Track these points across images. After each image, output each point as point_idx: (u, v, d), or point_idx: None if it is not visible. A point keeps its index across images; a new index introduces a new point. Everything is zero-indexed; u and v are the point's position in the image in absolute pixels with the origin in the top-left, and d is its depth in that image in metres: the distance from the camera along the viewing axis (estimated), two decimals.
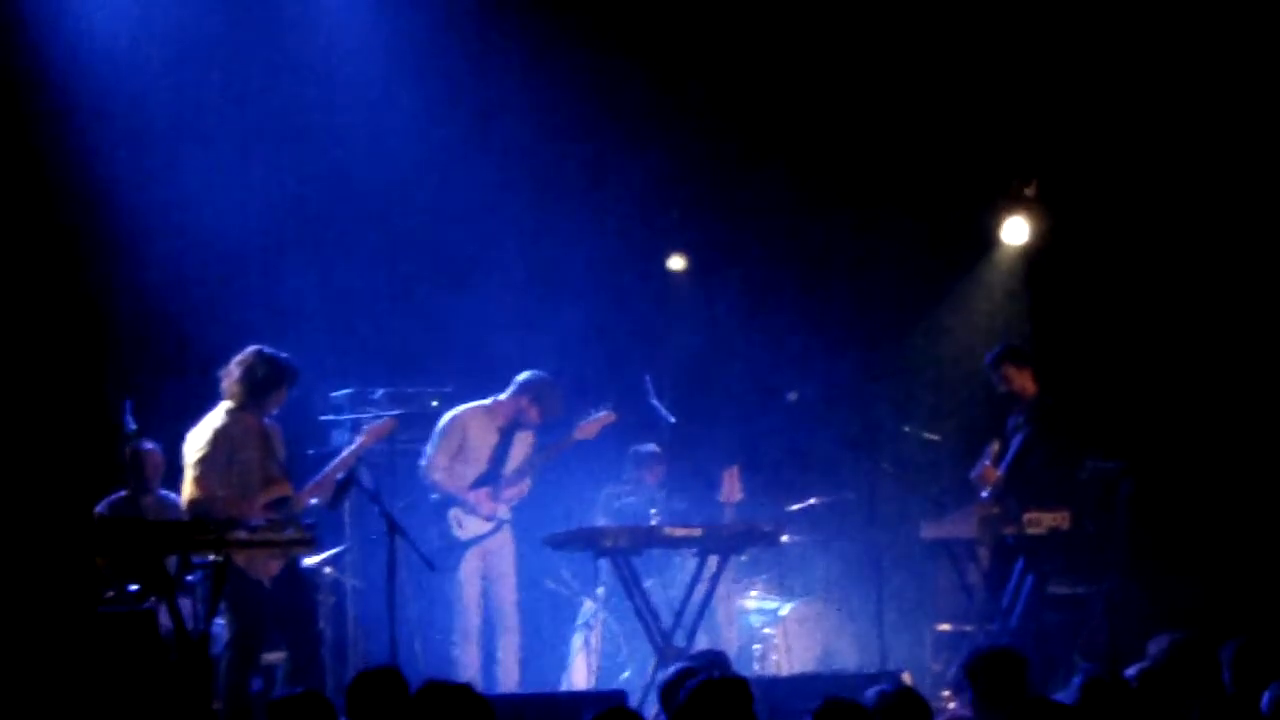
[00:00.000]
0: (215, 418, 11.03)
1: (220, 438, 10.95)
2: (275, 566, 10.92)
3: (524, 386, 12.58)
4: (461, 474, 12.50)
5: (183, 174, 13.49)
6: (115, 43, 13.38)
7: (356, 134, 14.10)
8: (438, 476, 12.48)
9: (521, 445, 12.66)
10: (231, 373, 11.07)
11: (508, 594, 12.57)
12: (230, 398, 11.07)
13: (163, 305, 13.40)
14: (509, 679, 12.38)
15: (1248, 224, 14.38)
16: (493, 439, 12.56)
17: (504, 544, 12.55)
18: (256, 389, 11.06)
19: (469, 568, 12.44)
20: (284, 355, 11.17)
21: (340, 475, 11.27)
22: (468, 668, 12.26)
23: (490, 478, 12.52)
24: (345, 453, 11.64)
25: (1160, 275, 14.66)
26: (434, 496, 12.52)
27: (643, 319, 14.83)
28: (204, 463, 10.90)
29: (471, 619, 12.41)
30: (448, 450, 12.51)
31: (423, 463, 12.53)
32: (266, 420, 11.22)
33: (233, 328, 12.99)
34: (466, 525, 12.47)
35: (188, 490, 10.94)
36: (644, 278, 15.01)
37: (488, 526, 12.48)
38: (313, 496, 11.30)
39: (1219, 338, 14.50)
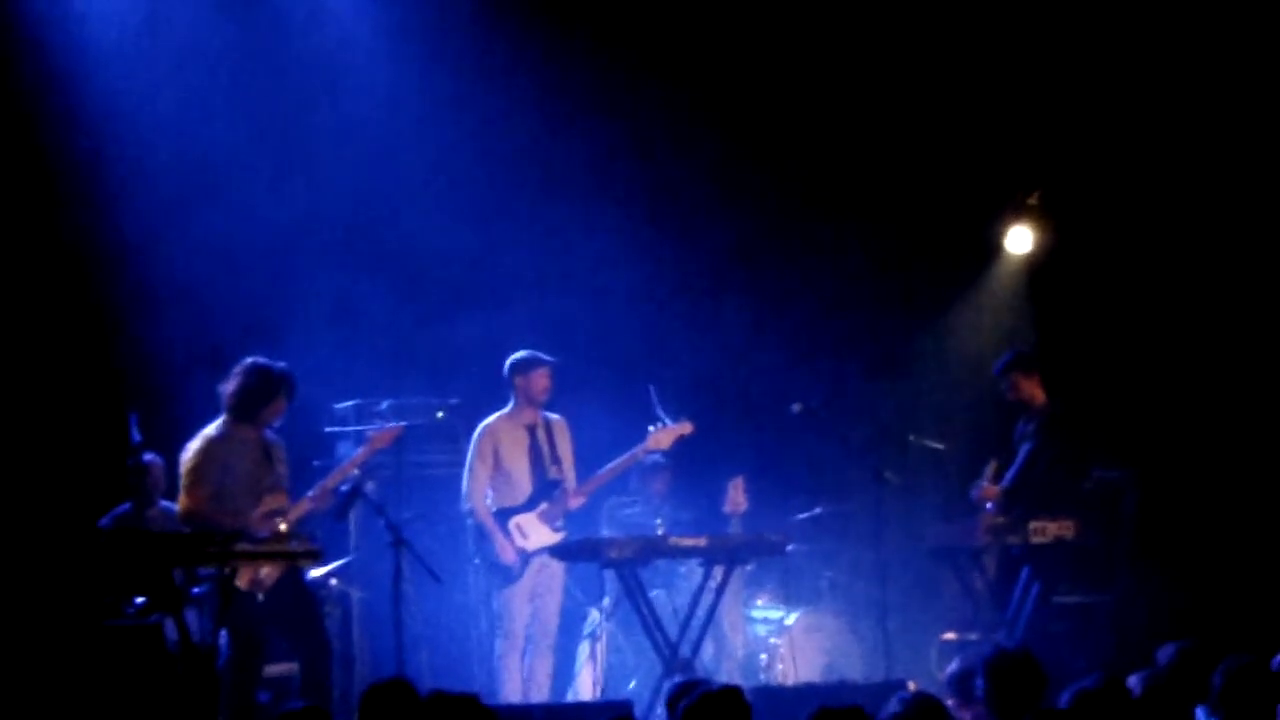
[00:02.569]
0: (210, 429, 11.05)
1: (212, 449, 10.96)
2: (269, 579, 10.87)
3: (507, 373, 12.51)
4: (515, 486, 12.44)
5: (187, 185, 13.51)
6: (124, 52, 13.39)
7: (361, 144, 14.10)
8: (474, 504, 12.36)
9: (563, 439, 12.61)
10: (228, 384, 11.09)
11: (552, 613, 12.45)
12: (227, 410, 11.08)
13: (168, 314, 13.41)
14: (540, 697, 12.34)
15: (1252, 233, 14.40)
16: (524, 440, 12.49)
17: (556, 560, 12.35)
18: (252, 400, 11.04)
19: (524, 578, 12.32)
20: (280, 366, 11.16)
21: (344, 486, 11.27)
22: (511, 677, 12.24)
23: (544, 487, 12.48)
24: (346, 462, 11.64)
25: (1165, 284, 14.68)
26: (471, 522, 12.49)
27: (649, 330, 14.81)
28: (194, 473, 10.91)
29: (519, 630, 12.31)
30: (484, 466, 12.39)
31: (463, 487, 12.44)
32: (269, 435, 11.23)
33: (238, 338, 13.01)
34: (531, 535, 12.36)
35: (180, 501, 10.96)
36: (650, 288, 14.98)
37: (555, 537, 12.32)
38: (311, 506, 11.25)
39: (1224, 346, 14.51)
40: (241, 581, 10.70)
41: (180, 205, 13.48)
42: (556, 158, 14.76)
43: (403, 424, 12.02)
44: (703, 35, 14.68)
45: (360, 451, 11.70)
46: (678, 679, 8.66)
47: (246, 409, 11.05)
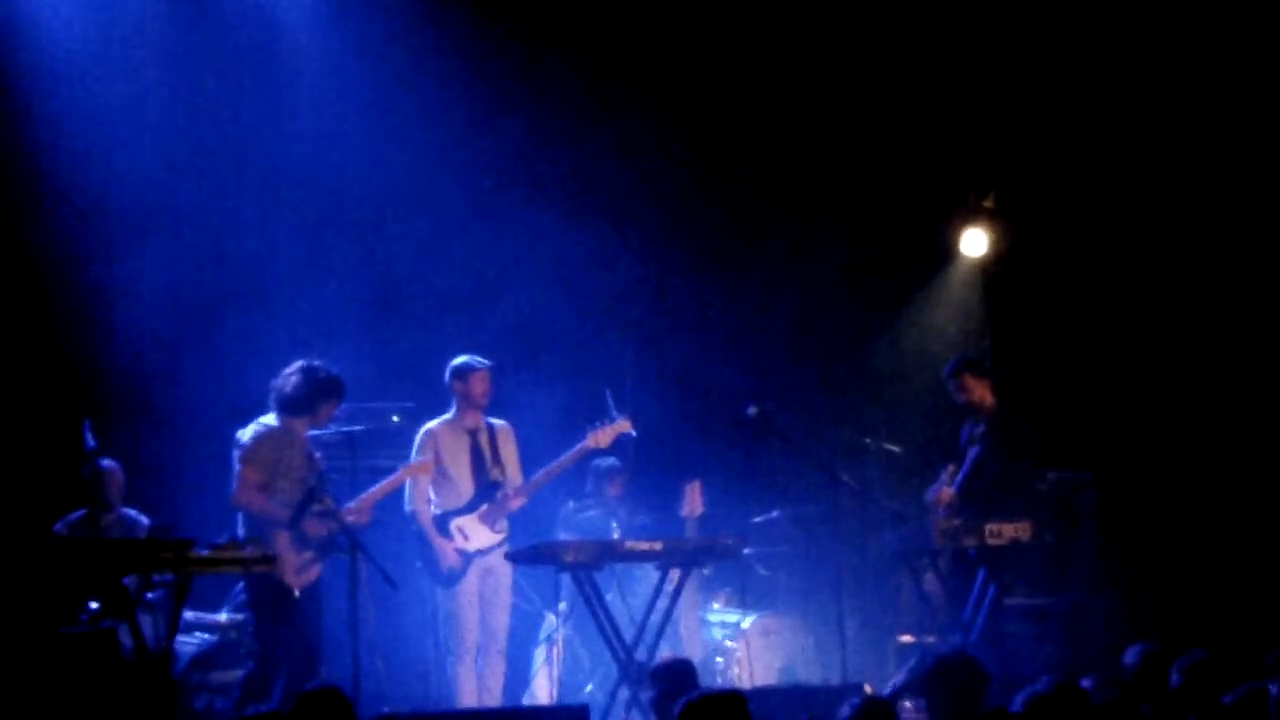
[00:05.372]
0: (267, 419, 11.33)
1: (268, 439, 11.21)
2: (310, 576, 11.15)
3: (447, 379, 12.52)
4: (457, 489, 12.41)
5: (146, 190, 13.48)
6: (87, 59, 13.40)
7: (328, 150, 14.10)
8: (416, 507, 12.32)
9: (507, 443, 12.60)
10: (284, 381, 11.35)
11: (500, 617, 12.42)
12: (283, 406, 11.32)
13: (123, 320, 13.37)
14: (493, 702, 12.31)
15: (1204, 234, 14.46)
16: (465, 443, 12.46)
17: (502, 562, 12.34)
18: (312, 396, 11.33)
19: (469, 584, 12.30)
20: (332, 369, 11.44)
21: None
22: (465, 683, 12.20)
23: (486, 489, 12.45)
24: (383, 483, 11.75)
25: (1119, 286, 14.73)
26: (414, 528, 12.46)
27: (606, 334, 14.82)
28: (245, 460, 11.18)
29: (470, 636, 12.28)
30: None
31: (406, 491, 12.40)
32: (309, 438, 11.44)
33: (195, 344, 13.02)
34: (472, 537, 12.36)
35: (233, 484, 11.14)
36: (604, 294, 14.99)
37: (495, 538, 12.36)
38: (352, 518, 11.36)
39: (1178, 348, 14.57)
40: (290, 579, 10.98)
41: (139, 210, 13.46)
42: (528, 163, 14.77)
43: (432, 461, 12.22)
44: (664, 41, 14.71)
45: (396, 476, 11.87)
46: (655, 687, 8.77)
47: (306, 405, 11.34)
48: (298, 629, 11.13)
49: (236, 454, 11.21)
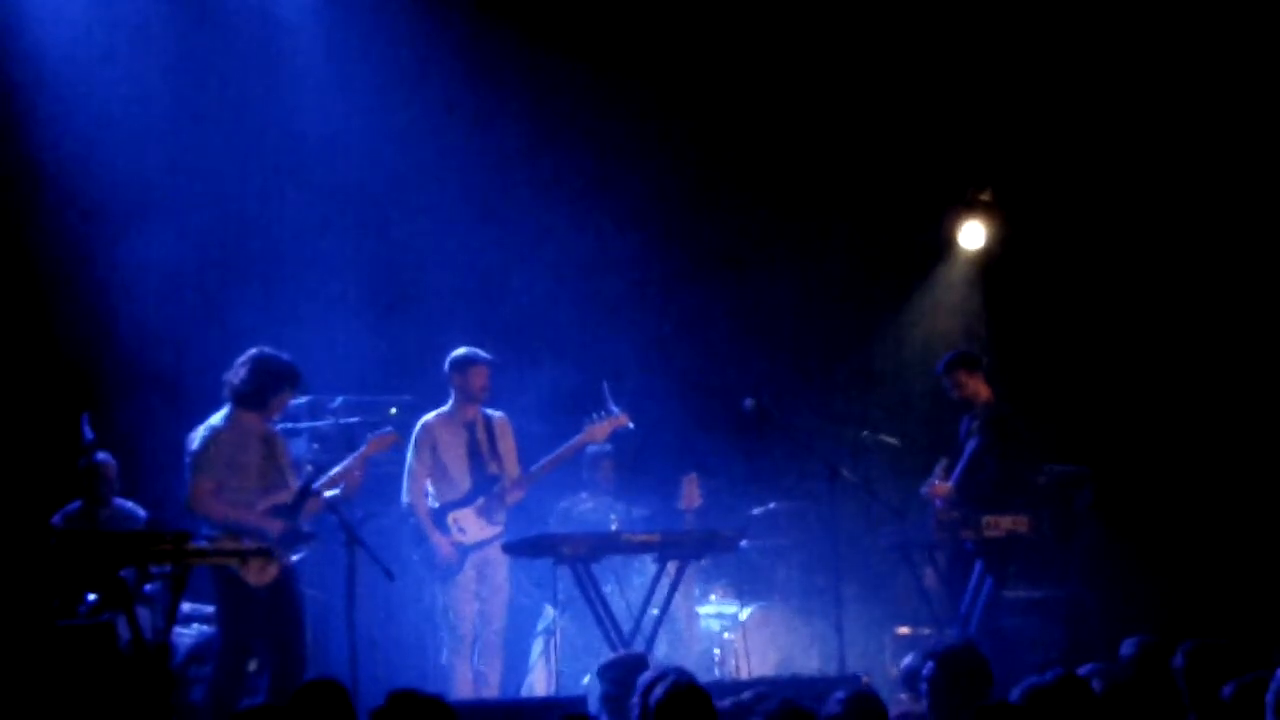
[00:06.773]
0: (215, 419, 11.12)
1: (217, 439, 11.02)
2: (270, 573, 10.95)
3: (447, 370, 12.54)
4: (454, 482, 12.44)
5: (142, 187, 13.48)
6: (92, 56, 13.42)
7: (325, 146, 14.10)
8: (411, 500, 12.38)
9: (504, 436, 12.61)
10: (235, 374, 11.14)
11: (498, 610, 12.46)
12: (234, 400, 11.13)
13: (121, 313, 13.37)
14: (490, 694, 12.30)
15: (1201, 226, 14.47)
16: (462, 437, 12.49)
17: (499, 554, 12.36)
18: (262, 390, 11.12)
19: (466, 577, 12.33)
20: (285, 356, 11.25)
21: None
22: (461, 676, 12.24)
23: (483, 482, 12.48)
24: (349, 460, 11.60)
25: (1116, 279, 14.75)
26: (412, 521, 12.49)
27: (601, 328, 14.83)
28: (196, 465, 10.99)
29: (467, 629, 12.32)
30: (423, 463, 12.40)
31: (403, 484, 12.44)
32: (270, 428, 11.29)
33: (190, 337, 13.01)
34: (469, 530, 12.39)
35: (187, 491, 10.98)
36: (601, 284, 15.00)
37: (492, 531, 12.39)
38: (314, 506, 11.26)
39: (1176, 341, 14.58)
40: (250, 575, 10.82)
41: (142, 205, 13.46)
42: (532, 162, 14.79)
43: (394, 432, 12.06)
44: (664, 41, 14.77)
45: (362, 450, 11.70)
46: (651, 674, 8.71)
47: (256, 398, 11.13)
48: (268, 627, 11.05)
49: (187, 461, 11.04)
